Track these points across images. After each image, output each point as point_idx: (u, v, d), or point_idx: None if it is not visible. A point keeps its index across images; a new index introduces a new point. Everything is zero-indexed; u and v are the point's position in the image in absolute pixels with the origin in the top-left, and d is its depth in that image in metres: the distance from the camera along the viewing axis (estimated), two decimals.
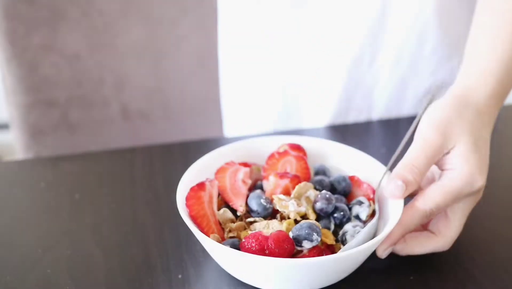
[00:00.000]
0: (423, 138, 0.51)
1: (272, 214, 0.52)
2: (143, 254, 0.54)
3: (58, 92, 1.03)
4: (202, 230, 0.48)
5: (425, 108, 0.55)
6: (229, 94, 0.94)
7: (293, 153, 0.56)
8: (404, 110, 0.86)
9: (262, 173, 0.56)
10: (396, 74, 0.82)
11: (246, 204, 0.52)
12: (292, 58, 0.82)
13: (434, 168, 0.53)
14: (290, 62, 0.82)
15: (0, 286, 0.49)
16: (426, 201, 0.49)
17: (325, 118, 0.85)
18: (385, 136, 0.81)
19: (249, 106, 0.90)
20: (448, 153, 0.51)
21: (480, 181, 0.50)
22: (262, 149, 0.59)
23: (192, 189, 0.50)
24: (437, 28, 0.78)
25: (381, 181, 0.54)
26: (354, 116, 0.86)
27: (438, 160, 0.51)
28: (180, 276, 0.51)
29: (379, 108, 0.86)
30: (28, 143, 1.03)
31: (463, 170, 0.49)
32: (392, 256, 0.52)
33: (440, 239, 0.51)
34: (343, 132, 0.81)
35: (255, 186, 0.57)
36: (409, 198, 0.51)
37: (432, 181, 0.54)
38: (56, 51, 1.01)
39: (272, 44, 0.81)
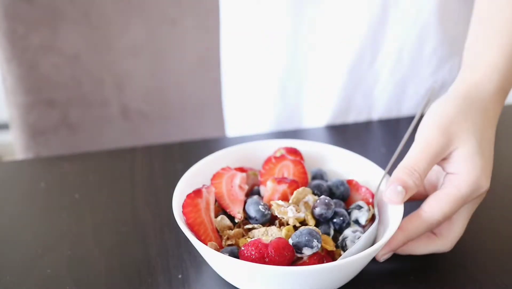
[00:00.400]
0: (424, 139, 0.49)
1: (270, 220, 0.51)
2: (143, 254, 0.54)
3: (58, 92, 1.03)
4: (199, 238, 0.48)
5: (424, 107, 0.55)
6: (230, 94, 0.94)
7: (290, 157, 0.56)
8: (404, 111, 0.86)
9: (259, 178, 0.56)
10: (396, 74, 0.82)
11: (244, 210, 0.52)
12: (292, 58, 0.82)
13: (435, 167, 0.52)
14: (290, 62, 0.82)
15: (0, 286, 0.49)
16: (433, 212, 0.48)
17: (325, 118, 0.85)
18: (385, 136, 0.81)
19: (250, 106, 0.90)
20: (450, 154, 0.49)
21: (485, 185, 0.49)
22: (258, 153, 0.59)
23: (188, 196, 0.49)
24: (437, 28, 0.78)
25: (379, 184, 0.54)
26: (354, 116, 0.86)
27: (439, 161, 0.50)
28: (180, 276, 0.51)
29: (379, 108, 0.86)
30: (28, 144, 1.03)
31: (469, 176, 0.48)
32: (392, 256, 0.52)
33: (442, 241, 0.51)
34: (343, 133, 0.81)
35: (252, 191, 0.56)
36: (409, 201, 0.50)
37: (434, 182, 0.53)
38: (56, 51, 1.01)
39: (272, 44, 0.81)
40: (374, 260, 0.49)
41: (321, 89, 0.84)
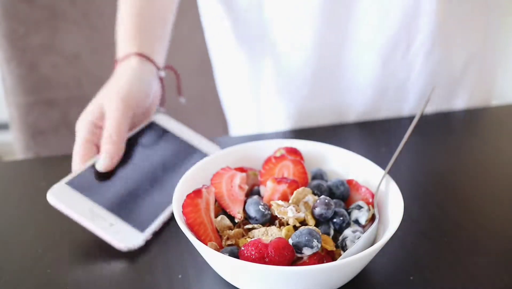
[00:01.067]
0: None
1: (270, 220, 0.51)
2: (144, 253, 0.54)
3: (58, 93, 1.03)
4: (199, 238, 0.48)
5: (424, 107, 0.55)
6: (244, 92, 0.93)
7: (290, 157, 0.56)
8: (435, 103, 0.87)
9: (259, 178, 0.56)
10: (429, 65, 0.83)
11: (244, 210, 0.52)
12: (322, 55, 0.81)
13: None
14: (321, 57, 0.82)
15: (0, 286, 0.50)
16: None
17: (356, 113, 0.85)
18: (385, 136, 0.81)
19: (266, 105, 0.89)
20: None
21: None
22: (258, 153, 0.59)
23: (188, 196, 0.49)
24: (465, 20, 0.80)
25: (379, 184, 0.54)
26: (386, 110, 0.86)
27: None
28: (180, 276, 0.51)
29: (410, 100, 0.86)
30: (28, 144, 1.03)
31: None
32: (392, 255, 0.52)
33: None
34: (343, 132, 0.81)
35: (252, 191, 0.56)
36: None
37: None
38: (56, 51, 1.01)
39: (301, 41, 0.81)
40: (374, 258, 0.49)
41: (354, 83, 0.84)
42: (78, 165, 0.60)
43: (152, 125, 0.68)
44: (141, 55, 0.69)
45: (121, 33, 0.73)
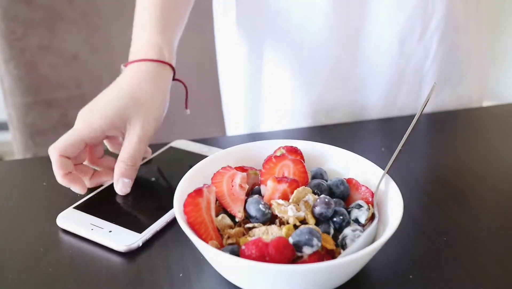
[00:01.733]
0: None
1: (271, 219, 0.51)
2: (144, 252, 0.54)
3: (57, 93, 1.03)
4: (200, 237, 0.48)
5: (424, 107, 0.55)
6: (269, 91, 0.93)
7: (291, 156, 0.56)
8: (444, 92, 0.88)
9: (260, 178, 0.56)
10: (443, 44, 0.84)
11: (245, 209, 0.52)
12: (343, 44, 0.82)
13: None
14: (339, 44, 0.82)
15: (2, 285, 0.50)
16: None
17: (376, 96, 0.86)
18: (385, 136, 0.81)
19: (282, 101, 0.90)
20: None
21: None
22: (258, 152, 0.59)
23: (189, 195, 0.49)
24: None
25: (379, 183, 0.54)
26: (405, 93, 0.87)
27: None
28: (181, 274, 0.51)
29: (429, 81, 0.87)
30: (27, 144, 1.03)
31: None
32: (392, 253, 0.53)
33: None
34: (343, 132, 0.81)
35: (252, 190, 0.56)
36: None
37: None
38: (55, 51, 1.01)
39: (316, 31, 0.81)
40: (374, 258, 0.50)
41: (373, 69, 0.85)
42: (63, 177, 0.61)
43: (169, 149, 0.72)
44: (171, 65, 0.67)
45: (143, 21, 0.68)
